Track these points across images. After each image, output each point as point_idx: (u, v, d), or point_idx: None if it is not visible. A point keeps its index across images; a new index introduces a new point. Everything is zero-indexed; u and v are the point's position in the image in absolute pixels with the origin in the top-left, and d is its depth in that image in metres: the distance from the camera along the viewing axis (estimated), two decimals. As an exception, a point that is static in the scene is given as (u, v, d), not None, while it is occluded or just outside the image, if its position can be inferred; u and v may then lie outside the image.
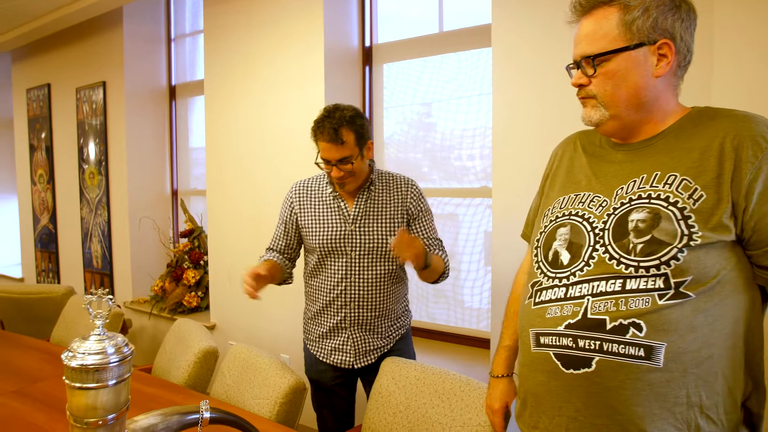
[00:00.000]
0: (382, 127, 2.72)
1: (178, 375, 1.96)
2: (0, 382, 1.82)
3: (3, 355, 2.13)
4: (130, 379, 0.83)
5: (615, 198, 0.99)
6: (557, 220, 1.07)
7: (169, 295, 3.37)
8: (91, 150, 4.01)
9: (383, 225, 1.71)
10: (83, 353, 0.77)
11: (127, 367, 0.81)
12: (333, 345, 1.74)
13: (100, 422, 0.78)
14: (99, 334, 0.80)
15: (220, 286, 3.14)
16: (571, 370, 0.95)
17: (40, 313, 3.04)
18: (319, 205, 1.74)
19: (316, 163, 1.67)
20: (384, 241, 1.70)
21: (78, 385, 0.77)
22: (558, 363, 0.97)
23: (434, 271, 1.68)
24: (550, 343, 0.99)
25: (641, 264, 0.91)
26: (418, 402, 1.56)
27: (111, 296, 0.81)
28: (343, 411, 1.84)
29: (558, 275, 1.01)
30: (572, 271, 0.99)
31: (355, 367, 1.73)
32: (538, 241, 1.10)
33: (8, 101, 5.01)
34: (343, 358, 1.73)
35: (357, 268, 1.70)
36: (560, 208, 1.08)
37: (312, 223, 1.73)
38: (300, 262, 1.87)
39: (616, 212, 0.97)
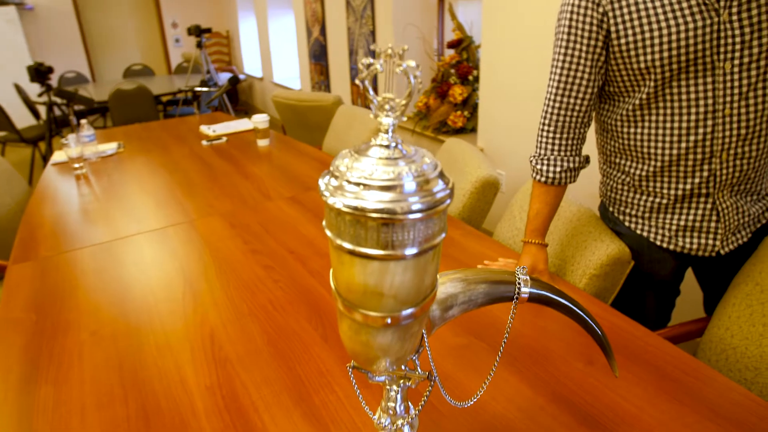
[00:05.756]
0: None
1: (451, 204, 1.64)
2: (280, 186, 1.81)
3: (284, 160, 2.13)
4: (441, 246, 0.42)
5: None
6: None
7: (432, 112, 3.07)
8: (357, -53, 3.65)
9: None
10: (357, 184, 0.36)
11: (441, 222, 0.39)
12: (683, 222, 1.09)
13: (389, 320, 0.40)
14: (387, 147, 0.38)
15: (491, 106, 2.67)
16: None
17: (313, 120, 3.08)
18: None
19: None
20: None
21: (349, 247, 0.38)
22: None
23: None
24: None
25: None
26: None
27: (417, 65, 0.36)
28: (667, 310, 1.27)
29: None
30: None
31: (721, 253, 1.09)
32: None
33: None
34: (703, 241, 1.09)
35: (737, 91, 0.94)
36: None
37: (647, 26, 0.95)
38: None
39: None
